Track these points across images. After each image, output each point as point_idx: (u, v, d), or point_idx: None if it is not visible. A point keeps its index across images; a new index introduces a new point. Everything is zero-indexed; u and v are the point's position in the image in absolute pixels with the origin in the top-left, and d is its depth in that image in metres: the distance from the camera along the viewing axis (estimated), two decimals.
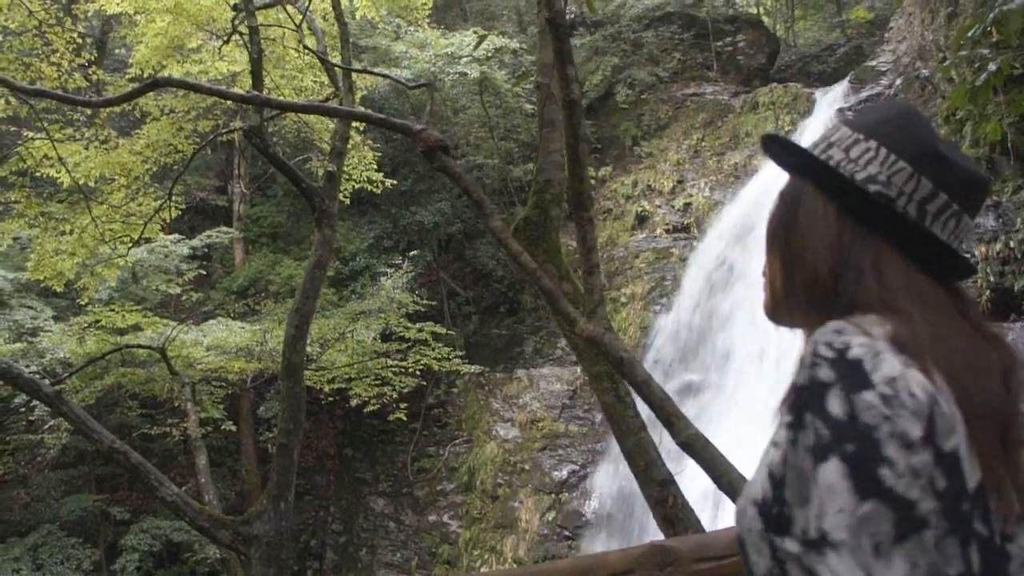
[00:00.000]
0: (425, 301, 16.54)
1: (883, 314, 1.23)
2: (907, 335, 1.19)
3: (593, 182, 18.56)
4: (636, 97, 21.15)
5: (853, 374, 1.15)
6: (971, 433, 1.16)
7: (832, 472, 1.12)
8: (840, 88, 18.48)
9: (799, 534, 1.17)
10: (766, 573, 1.24)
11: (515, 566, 14.79)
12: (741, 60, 21.84)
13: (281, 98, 10.62)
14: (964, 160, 1.31)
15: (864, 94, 17.40)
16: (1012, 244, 12.00)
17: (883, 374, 1.14)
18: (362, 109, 8.03)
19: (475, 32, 18.41)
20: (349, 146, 11.16)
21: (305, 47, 9.86)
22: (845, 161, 1.33)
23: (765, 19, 24.93)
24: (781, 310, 1.41)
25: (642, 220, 18.89)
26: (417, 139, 4.55)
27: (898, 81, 16.53)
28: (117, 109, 13.01)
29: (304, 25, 10.76)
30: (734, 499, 4.13)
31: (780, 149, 1.42)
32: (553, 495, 15.92)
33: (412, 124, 4.64)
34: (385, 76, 10.17)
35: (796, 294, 1.37)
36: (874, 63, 18.34)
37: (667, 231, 18.40)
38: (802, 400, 1.18)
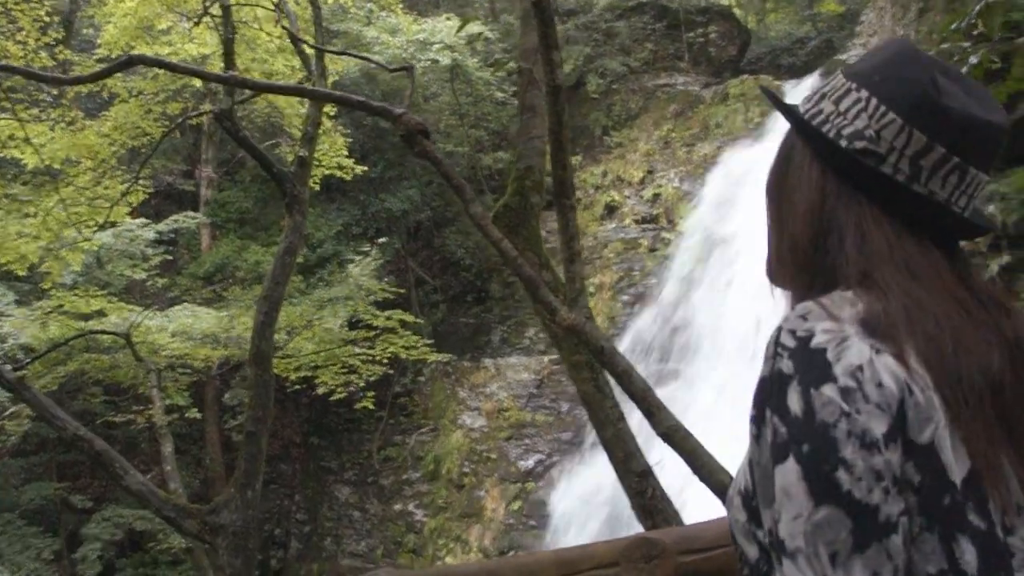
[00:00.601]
0: (393, 289, 16.46)
1: (859, 290, 1.15)
2: (880, 315, 1.10)
3: None
4: (607, 87, 21.14)
5: (814, 366, 1.07)
6: (954, 419, 1.07)
7: (789, 474, 1.05)
8: (811, 81, 18.53)
9: (766, 533, 1.11)
10: (756, 562, 1.19)
11: (481, 555, 14.78)
12: (712, 51, 21.90)
13: (258, 79, 10.49)
14: (971, 105, 1.18)
15: None
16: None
17: (847, 363, 1.06)
18: (340, 92, 7.94)
19: (448, 18, 18.32)
20: (320, 131, 11.06)
21: (283, 27, 9.74)
22: (834, 115, 1.23)
23: (736, 11, 24.96)
24: (777, 274, 1.32)
25: (611, 210, 18.89)
26: (398, 123, 4.49)
27: None
28: (84, 89, 12.79)
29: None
30: (713, 490, 4.12)
31: (774, 103, 1.33)
32: (519, 485, 15.91)
33: (393, 108, 4.58)
34: (365, 59, 10.04)
35: (785, 259, 1.29)
36: (845, 56, 18.44)
37: (636, 221, 18.41)
38: (764, 394, 1.11)
